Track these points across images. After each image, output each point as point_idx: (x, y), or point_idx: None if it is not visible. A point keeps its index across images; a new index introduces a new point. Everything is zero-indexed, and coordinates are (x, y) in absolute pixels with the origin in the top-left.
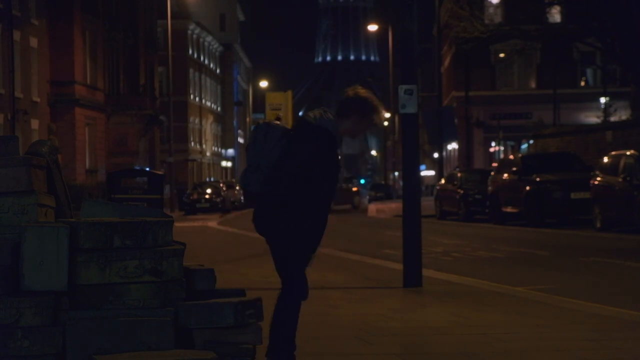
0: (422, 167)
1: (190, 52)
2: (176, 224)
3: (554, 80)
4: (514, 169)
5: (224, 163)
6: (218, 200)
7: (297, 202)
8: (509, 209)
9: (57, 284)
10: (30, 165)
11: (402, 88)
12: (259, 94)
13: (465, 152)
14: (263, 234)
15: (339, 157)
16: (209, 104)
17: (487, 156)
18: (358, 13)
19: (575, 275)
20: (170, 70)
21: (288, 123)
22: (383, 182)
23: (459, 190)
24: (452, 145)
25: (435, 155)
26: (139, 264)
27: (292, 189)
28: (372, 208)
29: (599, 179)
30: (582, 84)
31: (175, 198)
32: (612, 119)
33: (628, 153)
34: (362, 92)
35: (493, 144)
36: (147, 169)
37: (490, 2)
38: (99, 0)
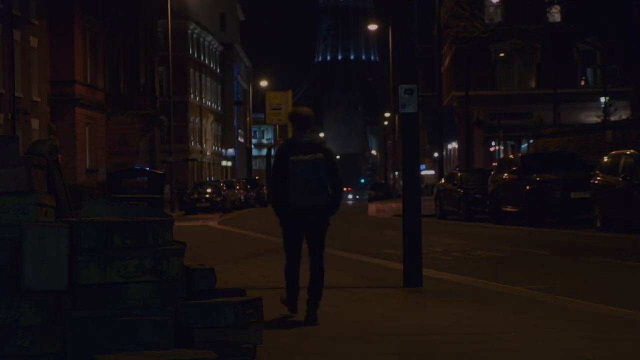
0: (422, 166)
1: (190, 52)
2: (176, 224)
3: (554, 80)
4: (514, 168)
5: (224, 163)
6: (218, 199)
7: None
8: (509, 209)
9: (57, 284)
10: (31, 165)
11: (402, 88)
12: (259, 94)
13: (465, 152)
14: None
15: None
16: (209, 103)
17: (487, 156)
18: (358, 13)
19: (575, 275)
20: (170, 70)
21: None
22: (383, 182)
23: (459, 190)
24: (452, 145)
25: (436, 155)
26: (139, 263)
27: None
28: (372, 207)
29: (599, 178)
30: (582, 83)
31: (175, 198)
32: (612, 118)
33: (628, 153)
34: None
35: (493, 143)
36: (148, 168)
37: (490, 2)
38: (99, 0)
